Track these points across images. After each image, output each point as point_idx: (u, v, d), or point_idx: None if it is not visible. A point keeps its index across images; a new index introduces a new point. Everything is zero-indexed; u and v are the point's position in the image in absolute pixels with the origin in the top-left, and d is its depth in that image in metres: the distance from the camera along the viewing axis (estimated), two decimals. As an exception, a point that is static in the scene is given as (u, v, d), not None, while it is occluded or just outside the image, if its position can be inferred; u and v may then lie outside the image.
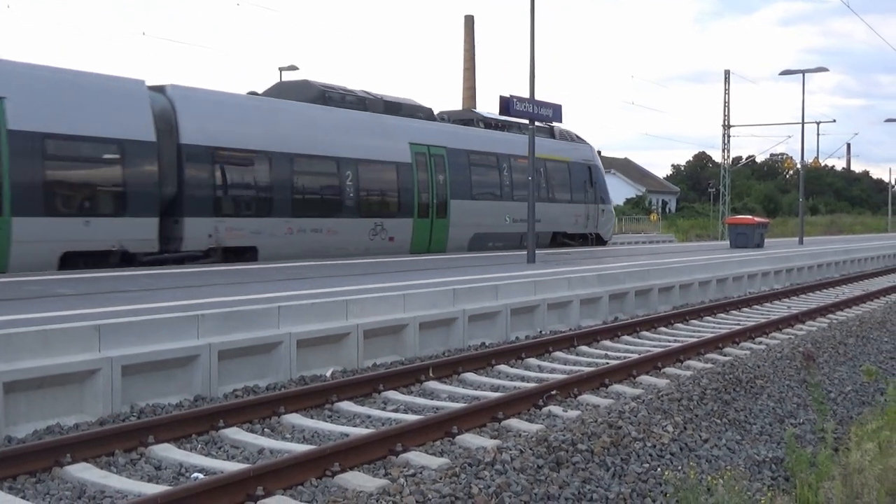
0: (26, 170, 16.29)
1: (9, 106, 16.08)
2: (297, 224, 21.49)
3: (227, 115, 20.44)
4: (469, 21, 70.34)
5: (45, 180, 16.70)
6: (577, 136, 34.18)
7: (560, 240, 31.33)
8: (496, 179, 28.30)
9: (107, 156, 17.94)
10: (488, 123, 29.70)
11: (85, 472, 6.89)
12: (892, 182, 71.13)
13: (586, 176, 32.95)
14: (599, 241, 33.73)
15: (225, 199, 20.09)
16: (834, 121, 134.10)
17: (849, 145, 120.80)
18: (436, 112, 28.40)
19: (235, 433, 8.16)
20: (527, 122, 21.94)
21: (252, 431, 8.34)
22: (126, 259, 18.08)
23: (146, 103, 18.62)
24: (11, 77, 16.53)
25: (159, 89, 19.33)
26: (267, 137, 20.92)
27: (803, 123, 42.01)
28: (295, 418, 8.79)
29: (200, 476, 6.87)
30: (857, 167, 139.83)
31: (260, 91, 23.85)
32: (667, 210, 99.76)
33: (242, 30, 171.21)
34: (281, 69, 45.77)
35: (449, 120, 28.99)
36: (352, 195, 22.96)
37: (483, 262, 20.51)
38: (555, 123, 25.74)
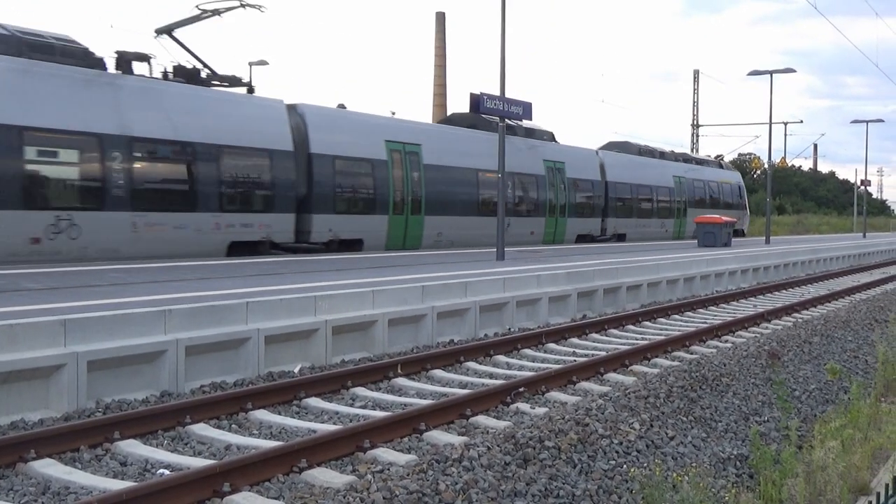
0: (209, 176, 20.29)
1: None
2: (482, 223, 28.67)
3: (343, 128, 24.36)
4: (440, 18, 70.34)
5: (223, 182, 20.65)
6: (731, 165, 55.76)
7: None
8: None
9: (260, 163, 21.57)
10: (641, 151, 42.37)
11: (49, 467, 6.83)
12: (858, 183, 72.16)
13: (739, 192, 50.67)
14: (742, 234, 49.15)
15: (341, 198, 23.93)
16: (801, 121, 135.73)
17: (815, 146, 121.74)
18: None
19: (202, 429, 8.13)
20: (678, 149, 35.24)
21: (219, 427, 8.30)
22: (273, 247, 21.90)
23: (286, 119, 22.50)
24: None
25: (292, 107, 23.16)
26: (371, 148, 24.90)
27: (771, 124, 42.35)
28: (263, 414, 8.77)
29: (166, 472, 6.84)
30: (823, 167, 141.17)
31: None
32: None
33: (212, 24, 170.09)
34: (251, 64, 45.56)
35: (607, 147, 41.08)
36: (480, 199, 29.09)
37: (453, 259, 20.53)
38: (714, 158, 49.35)
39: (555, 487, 6.63)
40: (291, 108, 23.14)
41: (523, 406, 9.45)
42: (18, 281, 12.77)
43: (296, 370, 10.77)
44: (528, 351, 13.00)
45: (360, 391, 9.99)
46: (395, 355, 11.89)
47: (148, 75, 20.76)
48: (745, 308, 19.32)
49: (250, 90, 23.71)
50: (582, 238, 35.36)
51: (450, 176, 27.66)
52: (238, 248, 20.90)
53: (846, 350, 13.84)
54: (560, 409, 8.77)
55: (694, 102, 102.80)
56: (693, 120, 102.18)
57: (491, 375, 11.30)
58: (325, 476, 6.81)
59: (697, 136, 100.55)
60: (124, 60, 20.23)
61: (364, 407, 9.39)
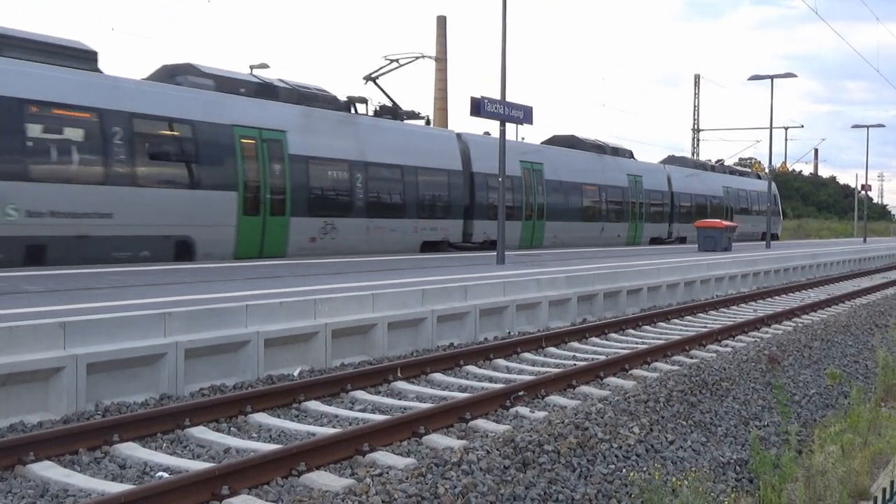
0: (412, 191, 26.44)
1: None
2: (597, 227, 35.89)
3: (491, 151, 26.69)
4: (441, 21, 70.37)
5: (420, 195, 26.82)
6: (763, 175, 61.19)
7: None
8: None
9: (441, 180, 27.77)
10: (696, 165, 51.04)
11: (48, 470, 6.83)
12: (858, 187, 72.49)
13: (773, 199, 53.85)
14: (776, 237, 55.96)
15: (492, 208, 28.33)
16: (802, 126, 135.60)
17: (816, 150, 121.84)
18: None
19: (201, 432, 8.12)
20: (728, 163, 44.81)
21: (218, 430, 8.29)
22: (449, 246, 28.36)
23: (456, 145, 29.11)
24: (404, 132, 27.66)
25: (459, 135, 30.07)
26: (511, 167, 28.98)
27: (771, 128, 42.38)
28: (262, 417, 8.76)
29: (165, 475, 6.83)
30: (824, 172, 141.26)
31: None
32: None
33: (214, 26, 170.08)
34: (252, 67, 45.57)
35: (668, 161, 48.55)
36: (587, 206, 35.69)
37: (453, 263, 20.53)
38: (753, 170, 54.81)
39: (554, 491, 6.62)
40: (458, 136, 29.95)
41: (523, 410, 9.44)
42: (18, 283, 12.77)
43: (295, 373, 10.77)
44: (527, 355, 12.99)
45: (360, 394, 9.99)
46: (395, 359, 11.89)
47: (367, 114, 27.06)
48: (745, 312, 19.31)
49: (427, 122, 30.20)
50: (654, 241, 41.59)
51: (562, 189, 33.96)
52: (427, 247, 27.18)
53: (846, 355, 13.83)
54: (560, 412, 8.77)
55: (695, 107, 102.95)
56: (694, 124, 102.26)
57: (490, 379, 11.29)
58: (324, 479, 6.81)
59: (698, 140, 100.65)
60: (350, 102, 26.45)
61: (363, 410, 9.38)
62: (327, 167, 23.50)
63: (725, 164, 67.13)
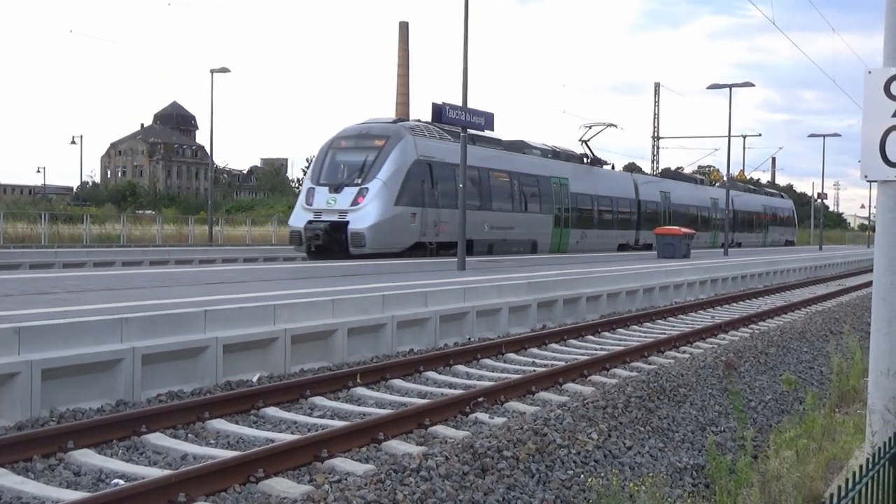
0: (615, 213, 43.21)
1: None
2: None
3: (648, 186, 49.15)
4: (403, 27, 70.38)
5: (618, 216, 43.99)
6: (785, 195, 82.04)
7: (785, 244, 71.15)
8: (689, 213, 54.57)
9: (629, 207, 45.20)
10: (746, 189, 68.41)
11: (1, 477, 6.72)
12: (815, 196, 74.72)
13: (791, 214, 75.46)
14: (792, 243, 73.34)
15: (649, 222, 45.91)
16: (759, 135, 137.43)
17: (774, 159, 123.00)
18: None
19: (158, 439, 8.04)
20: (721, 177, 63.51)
21: (175, 437, 8.22)
22: (628, 248, 43.85)
23: (632, 182, 46.51)
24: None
25: (632, 175, 49.37)
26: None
27: (730, 137, 42.90)
28: (220, 424, 8.69)
29: (121, 482, 6.76)
30: (781, 180, 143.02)
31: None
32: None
33: (174, 30, 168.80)
34: (213, 71, 45.31)
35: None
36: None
37: (415, 269, 20.52)
38: (770, 190, 72.73)
39: (512, 497, 6.64)
40: (632, 176, 49.69)
41: (482, 416, 9.45)
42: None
43: (254, 379, 10.70)
44: (487, 361, 13.01)
45: (319, 400, 9.95)
46: (355, 364, 11.85)
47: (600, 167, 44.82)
48: (703, 319, 19.48)
49: (612, 166, 48.03)
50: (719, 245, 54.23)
51: (586, 201, 40.92)
52: (620, 247, 43.26)
53: (802, 361, 14.00)
54: (519, 418, 8.79)
55: (655, 115, 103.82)
56: (654, 132, 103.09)
57: (450, 385, 11.30)
58: (282, 486, 6.77)
59: (658, 148, 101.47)
60: (583, 155, 43.08)
61: (323, 416, 9.34)
62: (585, 200, 40.24)
63: (684, 171, 73.60)
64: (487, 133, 27.46)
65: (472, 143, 28.15)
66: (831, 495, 2.16)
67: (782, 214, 73.15)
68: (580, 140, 43.01)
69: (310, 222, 27.14)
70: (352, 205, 26.92)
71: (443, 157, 29.25)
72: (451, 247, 26.59)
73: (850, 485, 2.32)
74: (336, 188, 27.42)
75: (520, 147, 36.55)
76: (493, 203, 32.52)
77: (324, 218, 27.08)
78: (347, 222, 26.75)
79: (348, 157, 28.32)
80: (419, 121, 31.61)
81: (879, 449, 2.71)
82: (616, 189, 44.09)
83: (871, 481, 2.49)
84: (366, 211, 26.81)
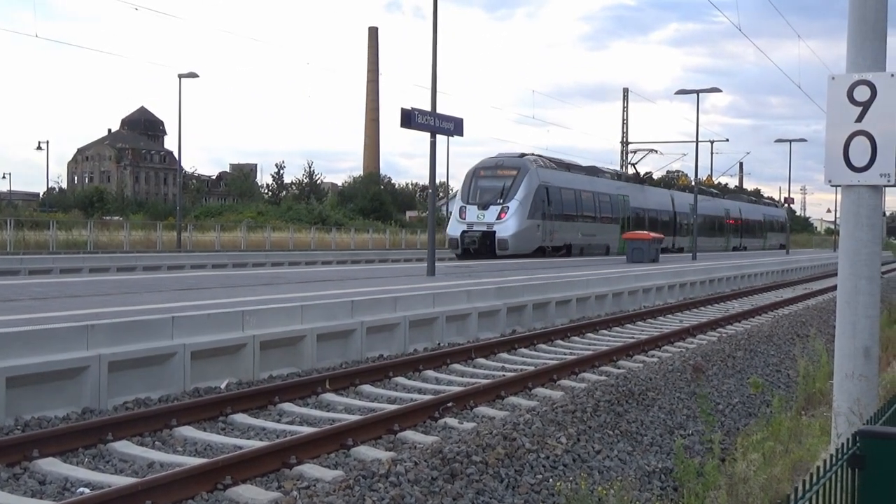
0: (659, 222, 53.34)
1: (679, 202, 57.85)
2: (685, 241, 55.55)
3: (682, 199, 57.63)
4: (373, 33, 70.29)
5: (660, 224, 51.61)
6: (779, 204, 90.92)
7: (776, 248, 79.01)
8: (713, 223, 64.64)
9: (665, 216, 55.01)
10: (754, 201, 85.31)
11: (-36, 487, 6.65)
12: (782, 200, 77.25)
13: (786, 222, 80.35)
14: (785, 248, 74.20)
15: (683, 230, 56.60)
16: (727, 140, 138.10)
17: (741, 164, 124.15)
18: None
19: (125, 446, 7.97)
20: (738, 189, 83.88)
21: (142, 445, 8.15)
22: (662, 250, 44.38)
23: (669, 197, 56.96)
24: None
25: (669, 192, 59.63)
26: (645, 202, 51.64)
27: (697, 142, 43.20)
28: (187, 431, 8.63)
29: (86, 491, 6.69)
30: (748, 185, 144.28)
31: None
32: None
33: (141, 35, 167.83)
34: (181, 76, 45.10)
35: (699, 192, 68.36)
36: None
37: (385, 275, 20.50)
38: (767, 200, 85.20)
39: (482, 502, 6.64)
40: (669, 192, 58.00)
41: (451, 421, 9.45)
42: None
43: (222, 386, 10.64)
44: (457, 366, 13.01)
45: (288, 407, 9.90)
46: (324, 370, 11.81)
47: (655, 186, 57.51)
48: (671, 323, 19.59)
49: (651, 183, 57.70)
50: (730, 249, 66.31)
51: (640, 213, 50.39)
52: (662, 251, 42.33)
53: (769, 364, 14.11)
54: (488, 423, 8.79)
55: (623, 120, 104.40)
56: (622, 137, 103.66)
57: (420, 390, 11.28)
58: (250, 493, 6.74)
59: (627, 153, 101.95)
60: (636, 175, 54.71)
61: (291, 423, 9.30)
62: (640, 212, 49.89)
63: (653, 176, 76.38)
64: (567, 157, 43.37)
65: (566, 169, 43.67)
66: (788, 496, 2.17)
67: (778, 222, 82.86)
68: (630, 163, 56.95)
69: (464, 232, 37.52)
70: (497, 219, 36.81)
71: (556, 182, 40.37)
72: (560, 249, 40.03)
73: (808, 486, 2.34)
74: (483, 206, 37.45)
75: (595, 171, 48.46)
76: (583, 216, 42.98)
77: (475, 228, 37.20)
78: (494, 232, 36.71)
79: (489, 183, 38.19)
80: (537, 155, 42.61)
81: (837, 450, 2.73)
82: (659, 202, 54.57)
83: (828, 482, 2.51)
84: (508, 223, 36.73)
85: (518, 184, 37.49)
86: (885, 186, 6.43)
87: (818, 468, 2.49)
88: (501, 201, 37.24)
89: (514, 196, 37.17)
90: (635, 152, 57.45)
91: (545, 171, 40.09)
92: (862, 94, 6.33)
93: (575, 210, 41.97)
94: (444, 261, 35.66)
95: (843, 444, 2.73)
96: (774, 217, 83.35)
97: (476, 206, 37.63)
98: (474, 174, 39.12)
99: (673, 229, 55.94)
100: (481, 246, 36.60)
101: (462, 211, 38.09)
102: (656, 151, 57.33)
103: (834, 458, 2.61)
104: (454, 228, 38.36)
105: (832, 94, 6.41)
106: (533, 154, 42.43)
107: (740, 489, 7.27)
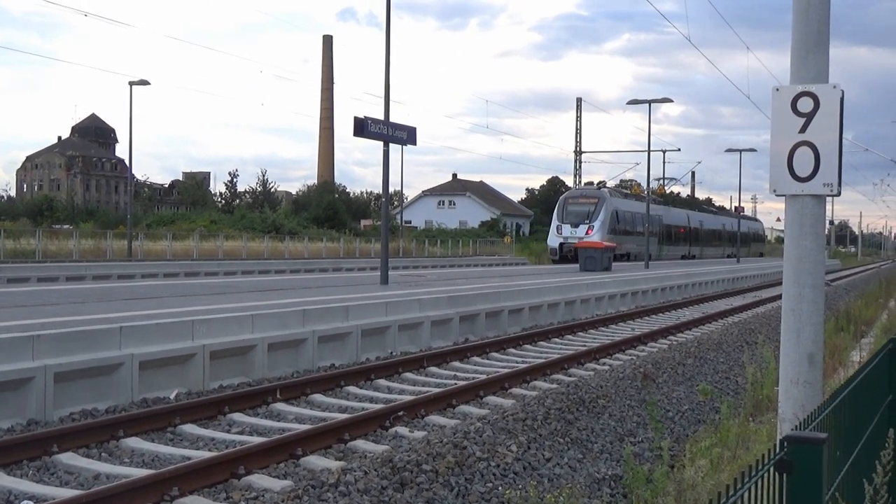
0: (675, 234, 70.25)
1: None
2: (697, 249, 73.80)
3: (703, 217, 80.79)
4: (327, 41, 70.14)
5: (674, 236, 69.08)
6: (757, 218, 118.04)
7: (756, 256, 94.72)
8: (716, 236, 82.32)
9: (686, 233, 73.32)
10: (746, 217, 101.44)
11: None
12: (733, 209, 79.61)
13: (763, 233, 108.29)
14: (762, 255, 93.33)
15: (701, 240, 76.18)
16: (679, 149, 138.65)
17: (693, 173, 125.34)
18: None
19: (70, 458, 7.86)
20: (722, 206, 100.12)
21: (88, 456, 8.04)
22: (682, 257, 68.30)
23: (686, 214, 74.83)
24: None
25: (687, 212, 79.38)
26: (672, 219, 68.12)
27: (649, 151, 43.73)
28: (135, 442, 8.53)
29: (30, 504, 6.59)
30: (700, 194, 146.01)
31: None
32: (521, 233, 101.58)
33: (90, 42, 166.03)
34: (131, 83, 44.70)
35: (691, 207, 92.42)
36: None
37: (338, 283, 20.43)
38: (748, 215, 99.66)
39: (431, 511, 6.62)
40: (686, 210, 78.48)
41: (402, 430, 9.43)
42: None
43: (171, 396, 10.53)
44: (409, 375, 13.00)
45: (238, 417, 9.82)
46: (275, 380, 11.74)
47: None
48: (622, 331, 19.73)
49: (667, 203, 72.54)
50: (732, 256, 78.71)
51: (669, 228, 64.87)
52: (682, 257, 65.83)
53: (718, 371, 14.26)
54: (439, 432, 8.79)
55: (577, 129, 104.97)
56: (576, 146, 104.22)
57: (371, 399, 11.25)
58: (198, 504, 6.67)
59: (581, 162, 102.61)
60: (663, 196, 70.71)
61: (241, 433, 9.23)
62: (668, 228, 63.45)
63: (609, 185, 79.05)
64: (610, 184, 62.37)
65: (625, 197, 59.62)
66: (710, 500, 2.19)
67: (759, 233, 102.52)
68: (659, 184, 66.37)
69: (562, 243, 52.15)
70: (585, 234, 50.39)
71: (622, 207, 56.07)
72: (624, 257, 53.49)
73: (732, 491, 2.36)
74: (574, 225, 52.13)
75: (639, 197, 59.07)
76: (636, 231, 55.90)
77: (569, 242, 50.40)
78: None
79: (577, 208, 53.34)
80: (610, 187, 61.53)
81: (763, 455, 2.77)
82: (679, 220, 69.43)
83: (754, 487, 2.54)
84: (594, 238, 48.31)
85: (599, 209, 52.58)
86: (828, 196, 6.52)
87: (742, 473, 2.52)
88: (588, 222, 52.26)
89: (598, 218, 52.31)
90: (659, 180, 67.78)
91: (617, 199, 56.69)
92: (805, 105, 6.42)
93: (632, 227, 56.55)
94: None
95: (769, 450, 2.77)
96: (757, 229, 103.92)
97: (569, 225, 52.80)
98: (565, 202, 54.83)
99: (690, 241, 71.23)
100: (573, 255, 46.29)
101: (558, 228, 53.68)
102: (676, 179, 73.49)
103: (760, 464, 2.65)
104: (553, 241, 54.35)
105: (776, 106, 6.49)
106: (605, 186, 62.27)
107: (688, 495, 7.33)
